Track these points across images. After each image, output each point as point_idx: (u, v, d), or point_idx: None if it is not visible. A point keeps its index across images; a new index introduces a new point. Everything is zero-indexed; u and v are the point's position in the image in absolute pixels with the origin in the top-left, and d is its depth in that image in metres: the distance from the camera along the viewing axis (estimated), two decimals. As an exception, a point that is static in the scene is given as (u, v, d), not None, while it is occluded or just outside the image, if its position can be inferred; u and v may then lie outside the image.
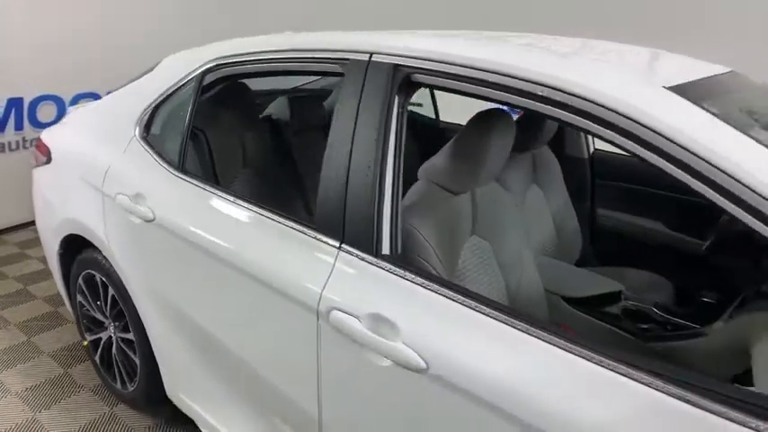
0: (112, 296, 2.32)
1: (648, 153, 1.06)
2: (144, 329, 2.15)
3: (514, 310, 1.25)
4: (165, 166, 2.02)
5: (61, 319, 3.21)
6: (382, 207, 1.41)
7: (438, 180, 1.66)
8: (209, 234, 1.77)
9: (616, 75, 1.26)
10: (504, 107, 1.51)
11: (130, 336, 2.29)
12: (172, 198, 1.95)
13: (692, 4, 3.52)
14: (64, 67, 4.27)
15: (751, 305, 1.64)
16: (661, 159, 1.04)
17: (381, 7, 4.76)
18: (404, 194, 1.60)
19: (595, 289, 2.05)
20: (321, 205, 1.52)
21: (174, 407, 2.20)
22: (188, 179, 1.95)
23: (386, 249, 1.41)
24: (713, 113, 1.08)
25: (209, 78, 2.03)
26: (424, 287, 1.30)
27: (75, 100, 4.29)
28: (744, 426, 0.90)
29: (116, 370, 2.48)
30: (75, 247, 2.45)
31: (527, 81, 1.22)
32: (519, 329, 1.16)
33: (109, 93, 2.58)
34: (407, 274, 1.33)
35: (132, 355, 2.33)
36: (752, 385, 1.17)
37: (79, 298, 2.58)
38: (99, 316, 2.49)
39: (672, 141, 1.03)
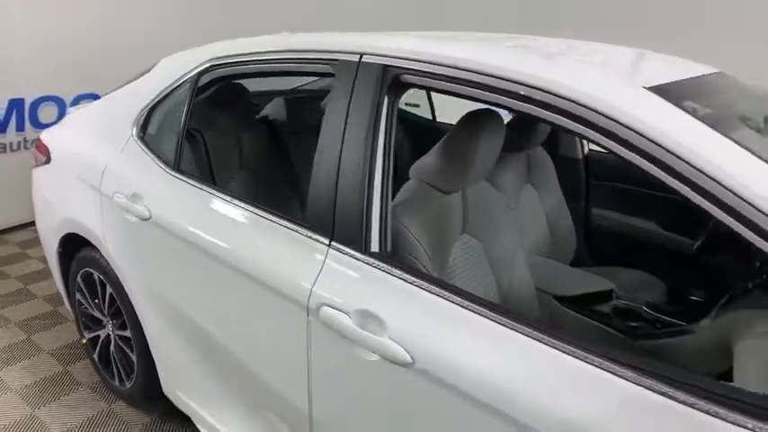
0: (110, 294, 2.35)
1: (626, 151, 1.08)
2: (141, 327, 2.18)
3: (499, 306, 1.27)
4: (162, 165, 2.05)
5: (61, 318, 3.24)
6: (371, 205, 1.44)
7: (428, 179, 1.68)
8: (203, 232, 1.80)
9: (597, 75, 1.28)
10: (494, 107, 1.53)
11: (128, 333, 2.32)
12: (167, 197, 1.98)
13: (693, 5, 3.54)
14: (65, 68, 4.31)
15: (737, 303, 1.66)
16: (638, 157, 1.07)
17: (381, 8, 4.79)
18: (395, 193, 1.63)
19: (586, 288, 2.07)
20: (312, 203, 1.55)
21: (171, 403, 2.23)
22: (183, 178, 1.98)
23: (375, 247, 1.43)
24: (691, 113, 1.10)
25: (204, 79, 2.05)
26: (412, 284, 1.32)
27: (77, 101, 4.33)
28: (724, 420, 0.92)
29: (114, 367, 2.51)
30: (74, 246, 2.49)
31: (510, 81, 1.24)
32: (504, 326, 1.19)
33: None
34: (395, 270, 1.36)
35: (129, 353, 2.36)
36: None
37: (78, 296, 2.61)
38: (97, 314, 2.52)
39: (649, 140, 1.05)
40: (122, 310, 2.29)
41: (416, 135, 3.41)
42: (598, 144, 1.14)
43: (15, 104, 4.24)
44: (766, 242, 0.96)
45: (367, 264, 1.40)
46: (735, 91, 1.62)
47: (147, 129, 2.20)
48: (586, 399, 1.07)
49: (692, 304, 2.01)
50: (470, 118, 1.68)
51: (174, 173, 2.01)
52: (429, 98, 3.54)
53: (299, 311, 1.47)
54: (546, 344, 1.13)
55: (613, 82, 1.24)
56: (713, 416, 0.93)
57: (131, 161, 2.16)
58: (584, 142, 2.82)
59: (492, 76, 1.27)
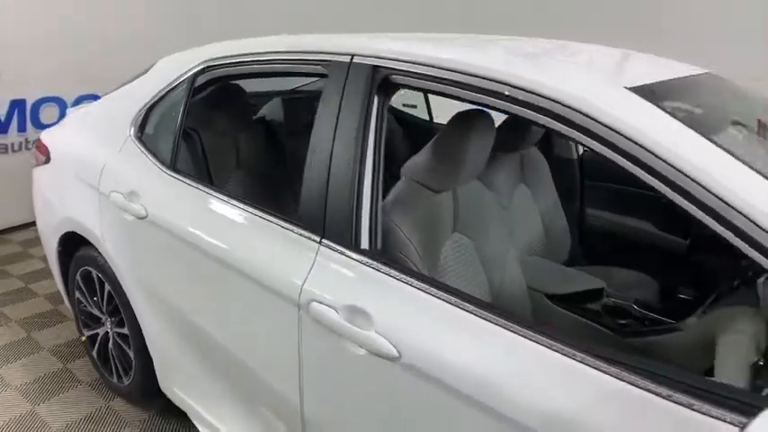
0: (108, 292, 2.39)
1: (607, 150, 1.11)
2: (138, 324, 2.21)
3: (485, 302, 1.29)
4: (158, 164, 2.08)
5: (61, 317, 3.28)
6: (361, 203, 1.46)
7: (419, 178, 1.71)
8: (198, 231, 1.83)
9: (579, 75, 1.31)
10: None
11: (126, 331, 2.35)
12: (163, 196, 2.01)
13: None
14: (66, 69, 4.35)
15: (722, 301, 1.68)
16: (618, 156, 1.09)
17: (381, 8, 4.83)
18: (387, 192, 1.66)
19: (577, 286, 2.09)
20: (304, 202, 1.58)
21: (168, 401, 2.26)
22: (179, 177, 2.01)
23: (365, 244, 1.46)
24: (671, 113, 1.13)
25: (200, 80, 2.09)
26: (399, 280, 1.35)
27: (78, 101, 4.37)
28: (698, 412, 0.94)
29: (112, 364, 2.54)
30: (73, 245, 2.52)
31: (494, 81, 1.27)
32: (489, 321, 1.21)
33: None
34: (383, 267, 1.39)
35: (127, 350, 2.39)
36: None
37: (77, 294, 2.64)
38: (96, 312, 2.55)
39: (628, 138, 1.08)
40: (120, 308, 2.32)
41: (413, 135, 3.44)
42: (580, 143, 1.16)
43: (17, 105, 4.29)
44: (743, 241, 0.99)
45: (356, 261, 1.43)
46: (721, 91, 1.65)
47: (144, 129, 2.23)
48: (569, 392, 1.09)
49: (681, 302, 2.04)
50: (460, 118, 1.71)
51: (170, 172, 2.04)
52: (426, 99, 3.57)
53: (291, 307, 1.50)
54: (530, 339, 1.15)
55: (595, 82, 1.27)
56: (689, 408, 0.95)
57: (129, 161, 2.19)
58: (579, 142, 2.84)
59: (476, 76, 1.30)
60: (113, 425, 2.44)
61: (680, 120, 1.11)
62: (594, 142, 1.15)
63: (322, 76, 1.65)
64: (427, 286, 1.31)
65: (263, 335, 1.69)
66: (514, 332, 1.17)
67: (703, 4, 3.62)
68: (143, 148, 2.16)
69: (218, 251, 1.75)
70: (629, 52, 1.82)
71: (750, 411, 0.77)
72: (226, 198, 1.83)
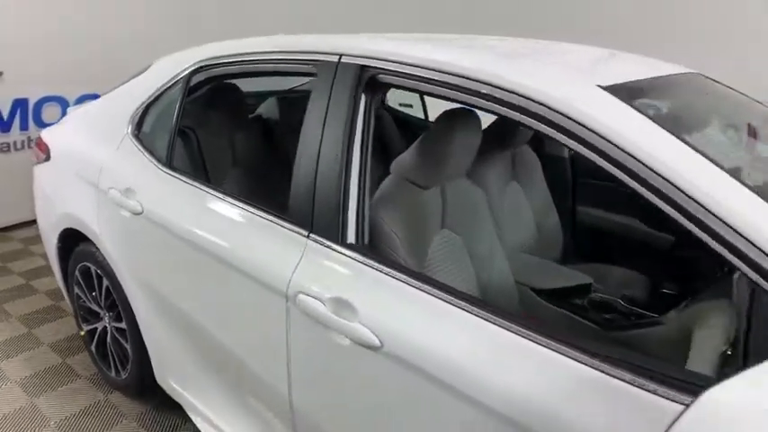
0: (106, 287, 2.43)
1: (578, 145, 1.15)
2: (135, 318, 2.26)
3: (465, 293, 1.33)
4: (154, 162, 2.12)
5: (61, 313, 3.33)
6: (348, 198, 1.51)
7: (407, 175, 1.76)
8: (191, 226, 1.87)
9: (554, 74, 1.35)
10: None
11: (123, 325, 2.39)
12: (158, 192, 2.06)
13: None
14: (68, 69, 4.40)
15: (704, 295, 1.72)
16: (588, 151, 1.14)
17: (379, 8, 4.87)
18: (377, 188, 1.70)
19: (565, 281, 2.13)
20: (293, 197, 1.62)
21: (165, 394, 2.30)
22: (174, 175, 2.05)
23: (351, 238, 1.51)
24: (640, 110, 1.17)
25: (195, 79, 2.14)
26: (383, 273, 1.39)
27: (79, 101, 4.41)
28: (661, 396, 0.97)
29: (110, 359, 2.59)
30: (73, 241, 2.57)
31: (472, 80, 1.31)
32: (470, 312, 1.25)
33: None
34: (367, 260, 1.43)
35: (125, 344, 2.43)
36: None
37: (76, 290, 2.69)
38: (95, 307, 2.60)
39: (595, 132, 1.12)
40: (117, 303, 2.37)
41: (409, 134, 3.48)
42: (554, 139, 1.21)
43: (19, 104, 4.35)
44: (711, 238, 1.03)
45: (342, 254, 1.47)
46: (700, 91, 1.69)
47: (141, 127, 2.28)
48: (546, 380, 1.13)
49: (667, 297, 2.07)
50: (447, 116, 1.75)
51: (165, 169, 2.09)
52: (421, 98, 3.61)
53: (279, 299, 1.55)
54: (509, 330, 1.19)
55: (568, 80, 1.31)
56: (641, 388, 1.00)
57: (126, 158, 2.24)
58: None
59: (457, 75, 1.34)
60: (111, 418, 2.48)
61: (649, 117, 1.15)
62: (565, 137, 1.19)
63: (312, 75, 1.69)
64: (410, 279, 1.35)
65: (253, 326, 1.74)
66: (494, 323, 1.21)
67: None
68: (140, 146, 2.21)
69: (210, 245, 1.80)
70: (615, 52, 1.86)
71: (695, 392, 0.82)
72: (218, 194, 1.88)
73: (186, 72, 2.13)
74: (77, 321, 2.81)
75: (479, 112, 1.51)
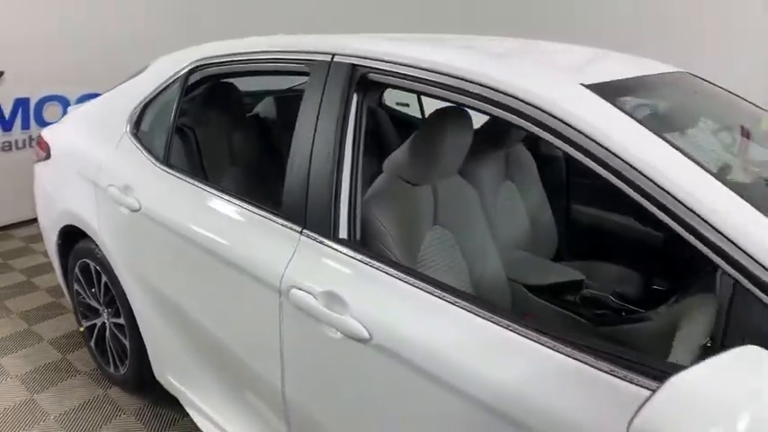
0: (105, 283, 2.47)
1: (558, 141, 1.19)
2: (133, 313, 2.29)
3: (453, 287, 1.35)
4: (152, 159, 2.16)
5: (62, 309, 3.37)
6: (340, 195, 1.54)
7: (399, 173, 1.79)
8: (188, 222, 1.91)
9: (538, 72, 1.39)
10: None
11: (121, 320, 2.43)
12: (155, 190, 2.09)
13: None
14: (69, 69, 4.44)
15: (691, 291, 1.75)
16: (568, 146, 1.17)
17: (379, 8, 4.90)
18: (370, 185, 1.74)
19: (557, 278, 2.16)
20: (286, 193, 1.66)
21: (163, 390, 2.34)
22: (172, 172, 2.09)
23: (343, 234, 1.54)
24: (620, 108, 1.20)
25: (193, 78, 2.17)
26: (373, 267, 1.43)
27: (80, 100, 4.45)
28: (634, 384, 1.02)
29: (109, 354, 2.62)
30: (72, 238, 2.60)
31: (460, 79, 1.34)
32: (457, 306, 1.28)
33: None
34: (359, 255, 1.46)
35: (123, 339, 2.47)
36: None
37: (76, 286, 2.72)
38: (94, 303, 2.64)
39: (575, 129, 1.16)
40: (116, 299, 2.41)
41: (406, 133, 3.50)
42: (537, 136, 1.24)
43: (21, 103, 4.39)
44: (682, 227, 1.06)
45: (334, 249, 1.51)
46: (689, 89, 1.72)
47: (140, 126, 2.31)
48: (529, 370, 1.16)
49: (656, 293, 2.11)
50: (437, 115, 1.78)
51: (163, 167, 2.12)
52: (418, 98, 3.64)
53: (273, 294, 1.58)
54: (492, 321, 1.22)
55: (552, 79, 1.34)
56: (611, 374, 1.05)
57: (124, 156, 2.27)
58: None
59: (444, 74, 1.38)
60: (110, 412, 2.52)
61: (629, 114, 1.18)
62: (548, 134, 1.22)
63: (305, 74, 1.72)
64: (400, 273, 1.39)
65: (247, 321, 1.77)
66: (480, 316, 1.24)
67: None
68: (138, 144, 2.24)
69: (206, 241, 1.83)
70: (605, 52, 1.88)
71: (662, 378, 0.85)
72: (214, 191, 1.91)
73: (183, 71, 2.16)
74: (77, 318, 2.85)
75: (473, 112, 1.54)
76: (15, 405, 2.54)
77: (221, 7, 5.22)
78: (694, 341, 1.31)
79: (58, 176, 2.64)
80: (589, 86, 1.26)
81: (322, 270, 1.51)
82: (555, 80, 1.34)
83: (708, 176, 1.09)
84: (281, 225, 1.64)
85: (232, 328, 1.85)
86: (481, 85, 1.31)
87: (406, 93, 3.59)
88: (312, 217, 1.57)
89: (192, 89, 2.26)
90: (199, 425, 2.10)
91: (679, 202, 1.06)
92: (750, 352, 0.83)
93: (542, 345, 1.14)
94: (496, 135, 2.44)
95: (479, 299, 1.31)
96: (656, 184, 1.08)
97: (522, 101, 1.24)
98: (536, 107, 1.22)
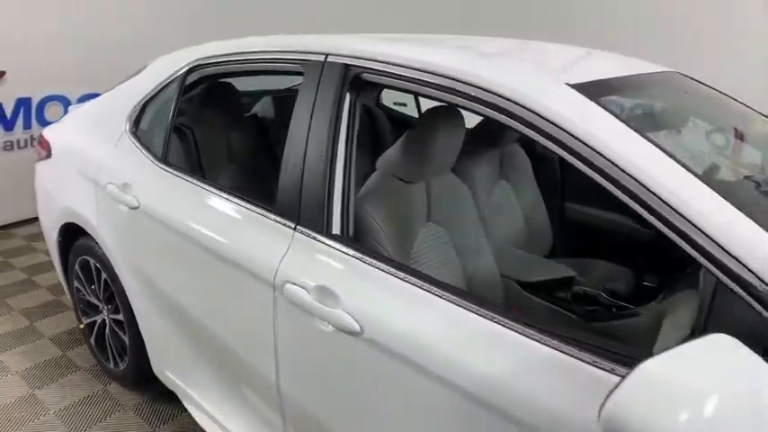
0: (105, 280, 2.50)
1: (542, 138, 1.22)
2: (132, 309, 2.32)
3: (442, 282, 1.39)
4: (150, 158, 2.19)
5: (62, 307, 3.41)
6: (332, 192, 1.58)
7: (392, 170, 1.82)
8: (185, 219, 1.94)
9: (524, 72, 1.42)
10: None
11: (121, 317, 2.46)
12: (154, 187, 2.13)
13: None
14: (70, 69, 4.49)
15: (678, 287, 1.78)
16: (551, 143, 1.21)
17: (379, 8, 4.93)
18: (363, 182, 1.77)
19: (548, 275, 2.19)
20: (281, 190, 1.69)
21: (162, 386, 2.37)
22: (169, 170, 2.12)
23: (336, 230, 1.57)
24: (602, 105, 1.23)
25: (191, 78, 2.20)
26: (364, 262, 1.46)
27: (81, 100, 4.48)
28: (607, 371, 1.06)
29: (109, 350, 2.66)
30: (73, 235, 2.64)
31: (449, 78, 1.38)
32: (448, 300, 1.31)
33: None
34: (351, 251, 1.50)
35: (122, 335, 2.51)
36: None
37: (76, 283, 2.76)
38: (94, 300, 2.67)
39: (558, 127, 1.19)
40: (115, 295, 2.44)
41: (403, 132, 3.53)
42: (520, 134, 1.27)
43: (23, 103, 4.43)
44: (660, 222, 1.09)
45: (327, 245, 1.54)
46: (677, 89, 1.75)
47: (139, 124, 2.35)
48: (513, 360, 1.20)
49: (646, 290, 2.14)
50: (429, 114, 1.82)
51: (161, 165, 2.15)
52: (415, 98, 3.67)
53: (267, 289, 1.61)
54: (481, 316, 1.26)
55: (538, 78, 1.38)
56: (585, 362, 1.09)
57: (124, 155, 2.31)
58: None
59: (433, 73, 1.41)
60: (109, 407, 2.55)
61: (612, 112, 1.22)
62: (533, 132, 1.26)
63: (299, 74, 1.76)
64: (390, 268, 1.42)
65: (243, 315, 1.80)
66: (469, 310, 1.27)
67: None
68: (137, 143, 2.28)
69: (203, 238, 1.86)
70: (595, 52, 1.92)
71: (631, 364, 0.88)
72: (211, 189, 1.95)
73: (181, 71, 2.20)
74: (77, 314, 2.88)
75: (466, 113, 1.57)
76: (16, 400, 2.57)
77: (221, 7, 5.25)
78: (678, 334, 1.34)
79: (59, 175, 2.67)
80: (574, 86, 1.30)
81: (315, 265, 1.54)
82: (540, 79, 1.37)
83: (690, 176, 1.11)
84: (276, 221, 1.68)
85: (228, 324, 1.88)
86: (471, 84, 1.34)
87: (403, 93, 3.66)
88: (306, 213, 1.61)
89: (190, 89, 2.29)
90: (197, 419, 2.13)
91: (662, 200, 1.08)
92: (720, 340, 0.86)
93: (528, 337, 1.18)
94: (491, 135, 2.47)
95: (467, 293, 1.34)
96: (637, 181, 1.11)
97: (508, 100, 1.27)
98: (522, 106, 1.25)
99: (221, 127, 2.78)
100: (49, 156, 2.73)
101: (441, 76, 1.39)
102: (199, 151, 2.63)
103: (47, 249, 3.13)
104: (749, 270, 0.98)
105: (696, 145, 1.49)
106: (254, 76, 2.52)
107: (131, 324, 2.38)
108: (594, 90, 1.31)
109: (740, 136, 1.88)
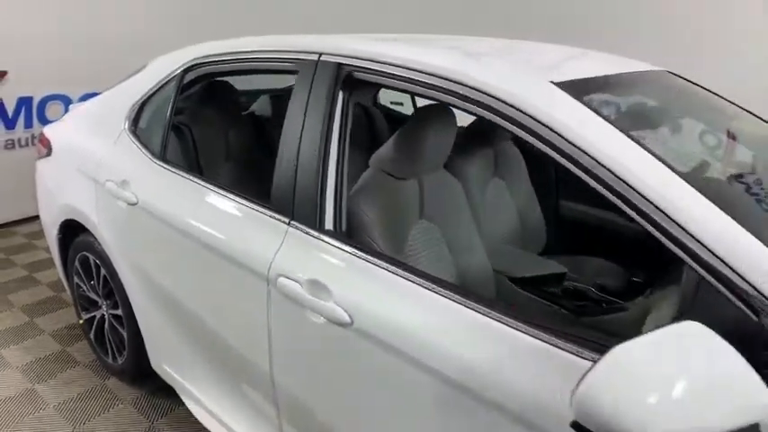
0: (104, 276, 2.54)
1: (527, 135, 1.26)
2: (130, 305, 2.36)
3: (430, 275, 1.42)
4: (148, 155, 2.23)
5: (62, 303, 3.45)
6: (326, 188, 1.61)
7: (385, 167, 1.86)
8: (182, 215, 1.98)
9: (510, 70, 1.45)
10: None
11: (119, 312, 2.50)
12: (152, 184, 2.16)
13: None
14: (71, 68, 4.53)
15: (664, 283, 1.81)
16: (535, 140, 1.25)
17: (379, 8, 4.96)
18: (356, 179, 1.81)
19: (540, 270, 2.23)
20: (275, 187, 1.73)
21: (160, 381, 2.41)
22: (167, 167, 2.16)
23: (329, 225, 1.61)
24: (585, 103, 1.27)
25: (188, 77, 2.24)
26: (355, 256, 1.50)
27: (82, 99, 4.52)
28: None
29: (108, 345, 2.70)
30: (72, 232, 2.68)
31: (438, 77, 1.42)
32: (435, 292, 1.35)
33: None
34: (343, 245, 1.54)
35: (121, 330, 2.54)
36: None
37: (76, 279, 2.80)
38: (93, 296, 2.71)
39: (541, 123, 1.23)
40: (114, 291, 2.48)
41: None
42: (507, 130, 1.31)
43: (24, 102, 4.47)
44: (642, 218, 1.12)
45: (319, 240, 1.58)
46: (664, 87, 1.78)
47: (138, 122, 2.39)
48: (498, 350, 1.23)
49: (636, 285, 2.17)
50: (422, 112, 1.86)
51: (159, 162, 2.19)
52: (412, 97, 3.70)
53: (261, 283, 1.65)
54: (469, 308, 1.29)
55: (522, 77, 1.41)
56: (562, 349, 1.13)
57: (123, 152, 2.35)
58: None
59: (423, 72, 1.45)
60: (108, 401, 2.59)
61: (594, 110, 1.25)
62: (518, 129, 1.30)
63: (294, 72, 1.79)
64: (381, 262, 1.46)
65: (237, 310, 1.84)
66: (457, 302, 1.31)
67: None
68: (136, 141, 2.32)
69: (199, 233, 1.90)
70: (586, 51, 1.95)
71: (603, 351, 0.92)
72: (208, 185, 1.98)
73: (179, 70, 2.23)
74: (77, 310, 2.92)
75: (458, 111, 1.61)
76: (16, 395, 2.61)
77: (221, 7, 5.29)
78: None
79: (59, 172, 2.71)
80: (558, 84, 1.33)
81: (308, 259, 1.58)
82: (525, 78, 1.41)
83: (669, 172, 1.15)
84: (270, 217, 1.71)
85: (224, 318, 1.92)
86: (459, 83, 1.38)
87: (398, 93, 3.69)
88: (299, 209, 1.64)
89: (188, 87, 2.33)
90: (194, 413, 2.17)
91: (643, 197, 1.12)
92: (691, 327, 0.89)
93: (513, 328, 1.21)
94: (484, 133, 2.51)
95: (455, 285, 1.38)
96: (620, 179, 1.15)
97: (494, 98, 1.31)
98: (507, 103, 1.29)
99: (219, 125, 2.82)
100: (49, 154, 2.77)
101: (430, 75, 1.43)
102: (197, 149, 2.67)
103: (47, 247, 3.18)
104: (728, 266, 1.01)
105: (681, 143, 1.53)
106: (249, 75, 2.56)
107: (130, 319, 2.42)
108: (579, 88, 1.34)
109: (729, 135, 1.91)
